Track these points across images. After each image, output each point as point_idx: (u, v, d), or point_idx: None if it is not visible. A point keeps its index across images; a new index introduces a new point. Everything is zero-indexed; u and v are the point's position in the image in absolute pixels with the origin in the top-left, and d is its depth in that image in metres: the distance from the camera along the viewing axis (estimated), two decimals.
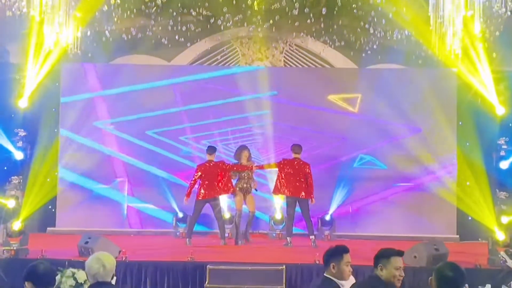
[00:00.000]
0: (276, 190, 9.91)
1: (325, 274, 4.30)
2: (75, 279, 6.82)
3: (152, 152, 11.72)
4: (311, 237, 9.67)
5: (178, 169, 11.64)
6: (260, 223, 11.36)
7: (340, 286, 4.24)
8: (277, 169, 9.96)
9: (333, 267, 4.23)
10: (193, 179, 9.91)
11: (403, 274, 4.09)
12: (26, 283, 3.70)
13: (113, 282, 4.16)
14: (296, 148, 9.99)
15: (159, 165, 11.71)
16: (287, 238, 9.80)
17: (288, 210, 9.91)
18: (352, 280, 4.60)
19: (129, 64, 11.88)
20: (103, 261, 3.90)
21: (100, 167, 11.64)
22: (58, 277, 6.78)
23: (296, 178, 9.71)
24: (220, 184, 9.83)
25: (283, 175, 9.77)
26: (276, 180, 9.88)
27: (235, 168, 10.13)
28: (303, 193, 9.69)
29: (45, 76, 10.85)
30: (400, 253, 4.12)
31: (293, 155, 9.93)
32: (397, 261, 4.08)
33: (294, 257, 8.66)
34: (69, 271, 6.91)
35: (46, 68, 10.66)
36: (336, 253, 4.28)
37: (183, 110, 11.81)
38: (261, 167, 10.40)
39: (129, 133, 11.75)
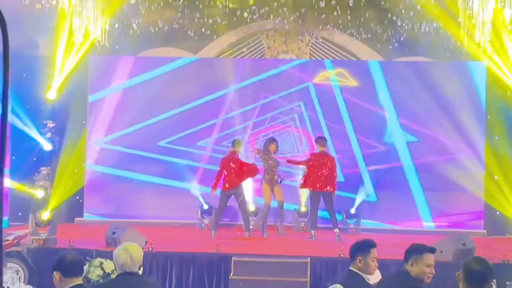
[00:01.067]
0: (302, 184, 9.88)
1: (350, 268, 4.29)
2: (102, 268, 6.90)
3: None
4: (335, 230, 9.63)
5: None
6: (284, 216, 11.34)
7: (366, 280, 4.22)
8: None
9: (360, 261, 4.21)
10: (219, 171, 9.96)
11: (433, 272, 4.02)
12: (54, 272, 3.75)
13: (140, 272, 4.21)
14: (321, 140, 9.93)
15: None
16: (311, 231, 9.78)
17: (312, 203, 9.86)
18: (378, 274, 4.58)
19: (155, 56, 11.97)
20: (131, 252, 3.94)
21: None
22: (86, 267, 6.87)
23: (321, 171, 9.65)
24: (244, 169, 9.86)
25: (309, 169, 9.74)
26: (303, 174, 9.85)
27: (260, 153, 10.08)
28: (328, 187, 9.65)
29: (73, 69, 11.01)
30: (433, 250, 4.07)
31: (319, 148, 9.88)
32: (429, 258, 4.02)
33: (318, 250, 8.65)
34: (97, 260, 7.00)
35: (74, 60, 10.81)
36: (363, 247, 4.25)
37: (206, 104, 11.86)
38: (292, 161, 10.28)
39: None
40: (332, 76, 11.75)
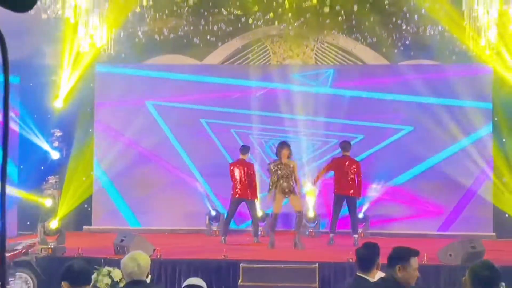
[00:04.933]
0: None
1: (357, 273, 4.27)
2: (111, 277, 6.92)
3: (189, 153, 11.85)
4: (354, 235, 9.55)
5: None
6: (292, 221, 11.29)
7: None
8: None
9: (378, 266, 4.17)
10: (231, 178, 9.96)
11: (418, 274, 3.90)
12: (62, 282, 3.77)
13: (148, 280, 4.22)
14: (346, 145, 9.85)
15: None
16: (330, 235, 9.72)
17: (335, 207, 9.76)
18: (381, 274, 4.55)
19: (161, 64, 12.01)
20: (138, 260, 3.95)
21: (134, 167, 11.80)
22: (94, 276, 6.90)
23: (346, 177, 9.60)
24: (251, 187, 9.82)
25: (335, 177, 9.69)
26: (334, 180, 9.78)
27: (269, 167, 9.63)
28: (352, 191, 9.61)
29: (79, 77, 11.06)
30: (417, 253, 3.93)
31: (343, 153, 9.81)
32: (416, 262, 3.88)
33: (327, 255, 8.63)
34: (105, 269, 7.02)
35: (80, 69, 10.87)
36: (378, 252, 4.22)
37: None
38: (318, 178, 9.90)
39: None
40: None
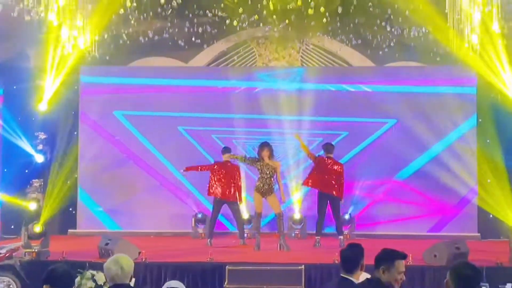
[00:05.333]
0: (306, 183, 9.86)
1: (342, 275, 4.26)
2: (94, 281, 6.89)
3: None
4: (340, 237, 9.59)
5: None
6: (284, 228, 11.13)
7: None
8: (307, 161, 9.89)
9: (362, 267, 4.17)
10: (204, 166, 10.00)
11: (404, 278, 3.87)
12: (44, 286, 3.73)
13: (132, 283, 4.18)
14: (330, 147, 9.89)
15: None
16: (316, 237, 9.73)
17: (319, 207, 9.77)
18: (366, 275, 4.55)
19: (146, 66, 11.97)
20: (121, 263, 3.92)
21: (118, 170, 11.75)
22: (77, 279, 6.86)
23: (328, 175, 9.64)
24: (234, 188, 9.80)
25: (316, 172, 9.73)
26: (309, 173, 9.83)
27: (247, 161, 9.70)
28: (335, 191, 9.62)
29: (64, 80, 10.98)
30: (404, 257, 3.91)
31: (326, 154, 9.84)
32: (401, 265, 3.86)
33: (313, 257, 8.64)
34: (88, 273, 6.98)
35: (64, 71, 10.79)
36: (363, 253, 4.22)
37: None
38: (304, 147, 9.86)
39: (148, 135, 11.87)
40: None
